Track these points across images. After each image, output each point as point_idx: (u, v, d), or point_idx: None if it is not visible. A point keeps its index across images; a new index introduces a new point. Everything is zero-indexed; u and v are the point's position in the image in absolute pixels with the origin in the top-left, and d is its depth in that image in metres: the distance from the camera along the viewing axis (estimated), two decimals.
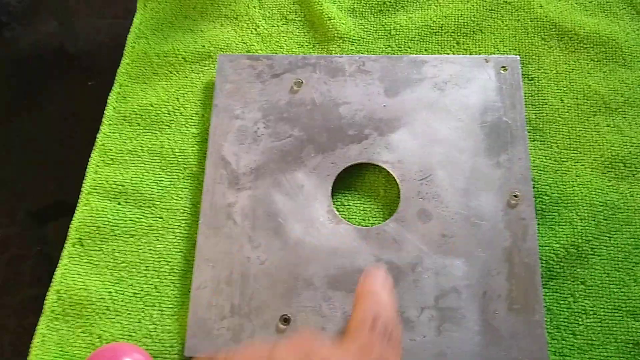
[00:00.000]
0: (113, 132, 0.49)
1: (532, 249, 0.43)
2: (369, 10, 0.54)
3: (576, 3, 0.53)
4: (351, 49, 0.52)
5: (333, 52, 0.52)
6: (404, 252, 0.43)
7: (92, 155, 0.48)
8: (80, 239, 0.45)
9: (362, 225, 0.45)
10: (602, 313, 0.42)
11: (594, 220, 0.45)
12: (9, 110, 0.53)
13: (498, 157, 0.46)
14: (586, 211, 0.45)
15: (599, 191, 0.45)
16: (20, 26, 0.57)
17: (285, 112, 0.48)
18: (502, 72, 0.48)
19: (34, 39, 0.57)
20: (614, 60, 0.50)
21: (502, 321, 0.41)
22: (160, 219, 0.46)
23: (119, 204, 0.47)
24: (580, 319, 0.42)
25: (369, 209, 0.46)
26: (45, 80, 0.54)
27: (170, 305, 0.43)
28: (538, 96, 0.49)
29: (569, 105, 0.49)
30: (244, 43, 0.53)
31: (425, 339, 0.41)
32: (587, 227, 0.44)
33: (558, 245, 0.44)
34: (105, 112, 0.50)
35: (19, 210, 0.49)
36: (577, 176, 0.46)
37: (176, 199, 0.47)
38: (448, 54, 0.51)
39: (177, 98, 0.50)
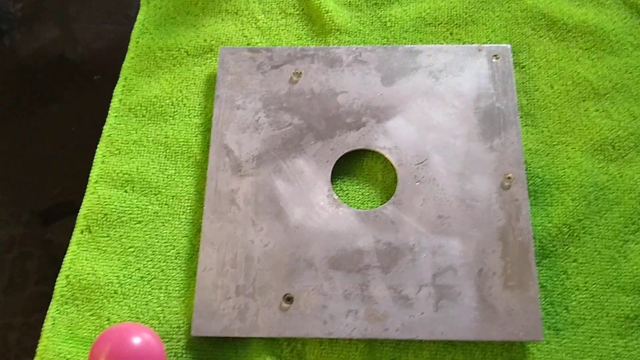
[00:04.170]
0: (119, 124, 0.51)
1: (525, 228, 0.44)
2: (364, 3, 0.55)
3: None
4: (348, 41, 0.53)
5: (331, 44, 0.53)
6: (402, 234, 0.45)
7: (99, 145, 0.50)
8: (88, 226, 0.47)
9: (361, 209, 0.47)
10: (594, 289, 0.44)
11: (584, 201, 0.46)
12: (13, 115, 0.54)
13: (491, 142, 0.47)
14: (577, 192, 0.46)
15: (589, 173, 0.47)
16: (20, 34, 0.58)
17: (285, 101, 0.50)
18: (494, 60, 0.50)
19: (34, 47, 0.58)
20: (602, 48, 0.52)
21: (498, 297, 0.42)
22: (166, 206, 0.48)
23: (125, 192, 0.48)
24: (573, 295, 0.44)
25: (367, 193, 0.48)
26: (47, 86, 0.56)
27: (177, 288, 0.45)
28: (529, 83, 0.51)
29: (559, 91, 0.50)
30: (244, 37, 0.54)
31: (423, 315, 0.42)
32: (578, 207, 0.46)
33: (551, 225, 0.45)
34: (111, 104, 0.52)
35: (24, 211, 0.50)
36: (567, 159, 0.48)
37: (181, 186, 0.48)
38: (442, 44, 0.53)
39: (181, 90, 0.52)
